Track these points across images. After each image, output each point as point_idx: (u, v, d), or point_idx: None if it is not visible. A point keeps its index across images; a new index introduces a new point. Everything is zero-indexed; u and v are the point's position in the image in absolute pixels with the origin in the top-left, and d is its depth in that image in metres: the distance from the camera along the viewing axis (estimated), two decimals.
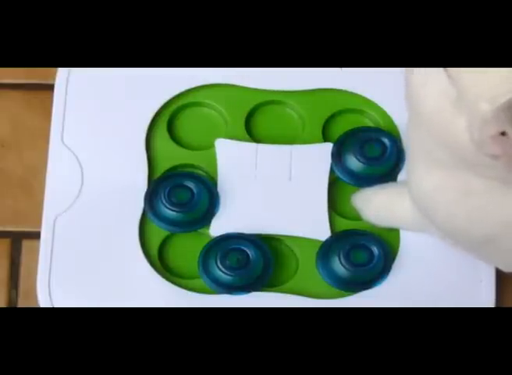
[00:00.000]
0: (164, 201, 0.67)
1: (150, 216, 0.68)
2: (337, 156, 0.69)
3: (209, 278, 0.67)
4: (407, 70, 0.55)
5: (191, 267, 0.68)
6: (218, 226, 0.68)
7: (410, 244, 0.68)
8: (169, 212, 0.68)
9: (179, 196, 0.68)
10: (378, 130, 0.70)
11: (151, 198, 0.68)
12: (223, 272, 0.67)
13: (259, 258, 0.67)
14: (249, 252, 0.67)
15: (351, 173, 0.69)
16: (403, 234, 0.68)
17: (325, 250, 0.68)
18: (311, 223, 0.69)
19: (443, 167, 0.56)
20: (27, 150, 0.72)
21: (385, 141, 0.69)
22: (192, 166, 0.70)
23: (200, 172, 0.70)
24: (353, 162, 0.69)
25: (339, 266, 0.67)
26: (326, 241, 0.68)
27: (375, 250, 0.67)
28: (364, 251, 0.67)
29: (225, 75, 0.71)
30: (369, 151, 0.69)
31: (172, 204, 0.67)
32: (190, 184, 0.68)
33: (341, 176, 0.69)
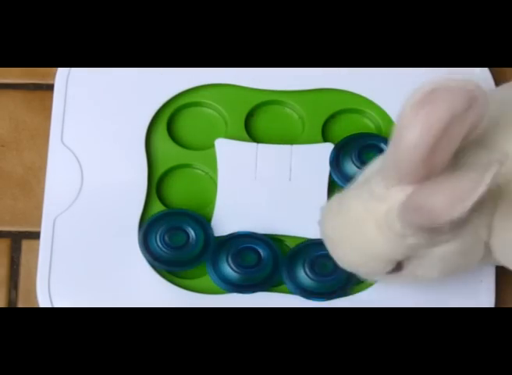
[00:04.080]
0: (159, 243, 0.67)
1: (145, 254, 0.68)
2: (335, 162, 0.69)
3: (218, 277, 0.67)
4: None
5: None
6: (218, 227, 0.68)
7: None
8: (165, 254, 0.67)
9: (174, 238, 0.67)
10: (377, 136, 0.70)
11: (145, 237, 0.68)
12: (233, 270, 0.67)
13: (269, 257, 0.67)
14: (261, 252, 0.67)
15: (349, 179, 0.69)
16: None
17: (290, 258, 0.67)
18: (311, 223, 0.69)
19: None
20: (27, 150, 0.72)
21: (384, 146, 0.69)
22: (191, 166, 0.70)
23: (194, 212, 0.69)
24: (351, 168, 0.68)
25: (303, 276, 0.67)
26: (291, 250, 0.68)
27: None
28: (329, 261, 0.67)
29: (225, 75, 0.71)
30: (367, 157, 0.68)
31: (167, 246, 0.67)
32: (184, 226, 0.67)
33: (339, 182, 0.69)
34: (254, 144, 0.70)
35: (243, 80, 0.71)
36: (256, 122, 0.72)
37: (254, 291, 0.67)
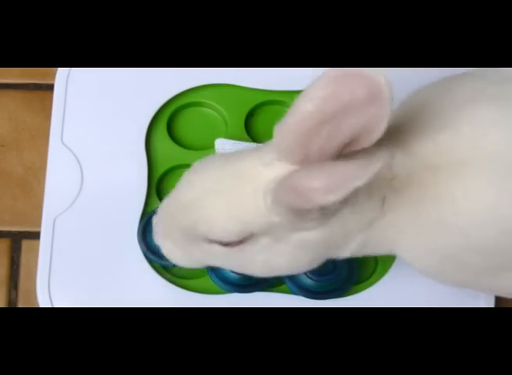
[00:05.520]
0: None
1: (144, 250, 0.68)
2: None
3: (217, 276, 0.67)
4: None
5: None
6: None
7: None
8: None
9: None
10: None
11: (144, 232, 0.68)
12: (231, 270, 0.67)
13: None
14: None
15: None
16: None
17: None
18: None
19: None
20: (27, 150, 0.72)
21: None
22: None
23: None
24: None
25: (302, 275, 0.67)
26: None
27: None
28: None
29: (225, 75, 0.71)
30: None
31: None
32: None
33: None
34: (254, 144, 0.70)
35: (243, 80, 0.71)
36: (256, 122, 0.72)
37: (252, 291, 0.67)
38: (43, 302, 0.67)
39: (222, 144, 0.70)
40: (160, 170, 0.70)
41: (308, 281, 0.67)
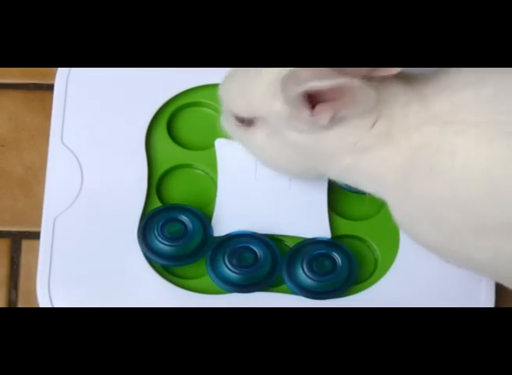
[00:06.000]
0: (157, 235, 0.67)
1: (144, 250, 0.68)
2: None
3: (217, 276, 0.67)
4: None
5: (190, 267, 0.68)
6: (218, 227, 0.68)
7: (410, 244, 0.67)
8: (163, 246, 0.67)
9: (172, 230, 0.68)
10: None
11: (144, 231, 0.68)
12: (231, 270, 0.67)
13: (267, 257, 0.67)
14: (258, 251, 0.67)
15: None
16: (403, 234, 0.68)
17: (289, 258, 0.68)
18: (311, 223, 0.69)
19: None
20: (27, 150, 0.72)
21: None
22: (191, 166, 0.70)
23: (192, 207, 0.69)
24: None
25: (302, 275, 0.67)
26: (290, 249, 0.68)
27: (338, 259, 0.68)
28: (327, 260, 0.67)
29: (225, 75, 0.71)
30: None
31: (166, 238, 0.67)
32: (183, 218, 0.68)
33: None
34: None
35: None
36: None
37: (252, 291, 0.67)
38: (43, 302, 0.67)
39: (222, 144, 0.70)
40: (160, 170, 0.70)
41: (308, 281, 0.67)
